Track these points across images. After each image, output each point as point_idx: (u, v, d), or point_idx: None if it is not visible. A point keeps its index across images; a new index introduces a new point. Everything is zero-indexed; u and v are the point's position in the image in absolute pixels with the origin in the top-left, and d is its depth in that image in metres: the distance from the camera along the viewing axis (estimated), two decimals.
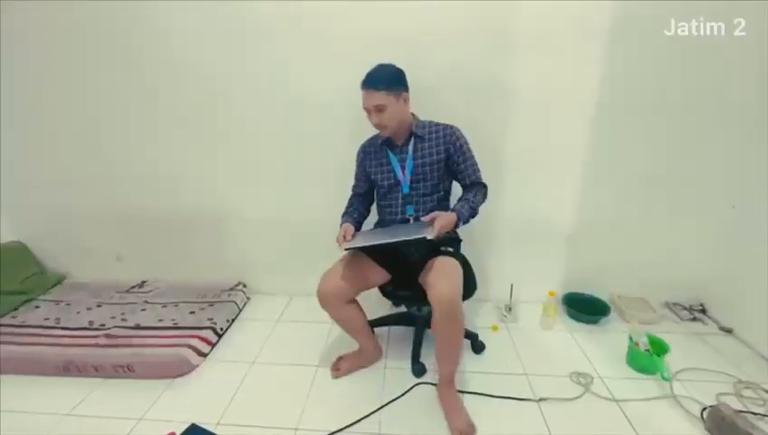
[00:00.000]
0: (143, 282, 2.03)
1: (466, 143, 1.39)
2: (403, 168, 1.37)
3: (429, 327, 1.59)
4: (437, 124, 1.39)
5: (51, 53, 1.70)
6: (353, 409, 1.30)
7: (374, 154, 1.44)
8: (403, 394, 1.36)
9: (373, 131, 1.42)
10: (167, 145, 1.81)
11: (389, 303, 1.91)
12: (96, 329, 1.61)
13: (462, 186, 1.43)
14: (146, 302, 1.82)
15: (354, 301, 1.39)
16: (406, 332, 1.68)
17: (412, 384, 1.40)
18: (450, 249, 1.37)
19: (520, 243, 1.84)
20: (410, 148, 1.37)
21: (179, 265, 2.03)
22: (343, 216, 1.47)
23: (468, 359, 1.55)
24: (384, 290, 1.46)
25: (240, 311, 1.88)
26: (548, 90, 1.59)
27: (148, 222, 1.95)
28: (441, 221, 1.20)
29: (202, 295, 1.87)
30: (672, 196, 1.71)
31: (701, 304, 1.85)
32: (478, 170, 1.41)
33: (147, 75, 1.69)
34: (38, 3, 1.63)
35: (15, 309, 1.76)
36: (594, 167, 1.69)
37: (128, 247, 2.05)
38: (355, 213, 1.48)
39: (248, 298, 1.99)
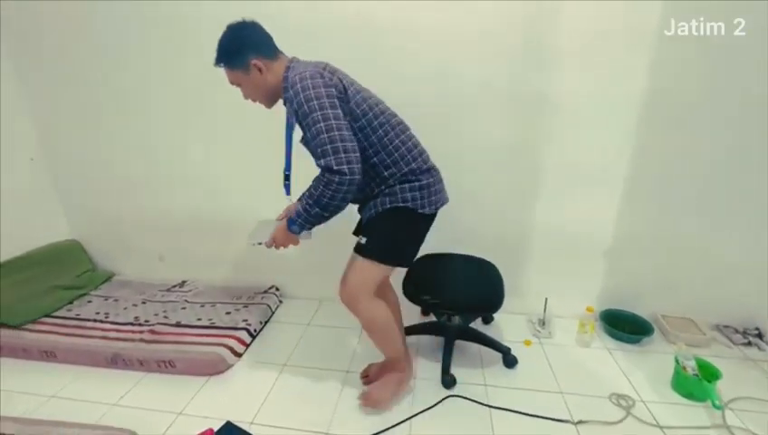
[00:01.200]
0: (183, 281, 2.13)
1: (303, 109, 1.00)
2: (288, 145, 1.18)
3: (460, 337, 1.59)
4: (287, 81, 1.08)
5: (106, 68, 1.85)
6: (382, 417, 1.30)
7: None
8: (433, 405, 1.35)
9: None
10: (211, 150, 1.91)
11: (419, 311, 1.92)
12: (141, 325, 1.71)
13: None
14: (186, 301, 1.91)
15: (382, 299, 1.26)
16: (435, 342, 1.66)
17: (443, 396, 1.38)
18: (363, 240, 1.19)
19: (556, 255, 1.78)
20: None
21: (216, 266, 2.12)
22: None
23: (500, 373, 1.52)
24: (411, 294, 1.46)
25: (273, 313, 1.94)
26: (591, 102, 1.55)
27: (189, 224, 2.05)
28: (276, 234, 1.16)
29: (237, 297, 1.94)
30: (724, 211, 1.61)
31: (756, 328, 1.71)
32: (319, 148, 1.00)
33: (191, 85, 1.79)
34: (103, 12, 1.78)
35: (71, 302, 1.90)
36: (637, 180, 1.63)
37: (170, 248, 2.16)
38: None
39: (280, 301, 2.05)
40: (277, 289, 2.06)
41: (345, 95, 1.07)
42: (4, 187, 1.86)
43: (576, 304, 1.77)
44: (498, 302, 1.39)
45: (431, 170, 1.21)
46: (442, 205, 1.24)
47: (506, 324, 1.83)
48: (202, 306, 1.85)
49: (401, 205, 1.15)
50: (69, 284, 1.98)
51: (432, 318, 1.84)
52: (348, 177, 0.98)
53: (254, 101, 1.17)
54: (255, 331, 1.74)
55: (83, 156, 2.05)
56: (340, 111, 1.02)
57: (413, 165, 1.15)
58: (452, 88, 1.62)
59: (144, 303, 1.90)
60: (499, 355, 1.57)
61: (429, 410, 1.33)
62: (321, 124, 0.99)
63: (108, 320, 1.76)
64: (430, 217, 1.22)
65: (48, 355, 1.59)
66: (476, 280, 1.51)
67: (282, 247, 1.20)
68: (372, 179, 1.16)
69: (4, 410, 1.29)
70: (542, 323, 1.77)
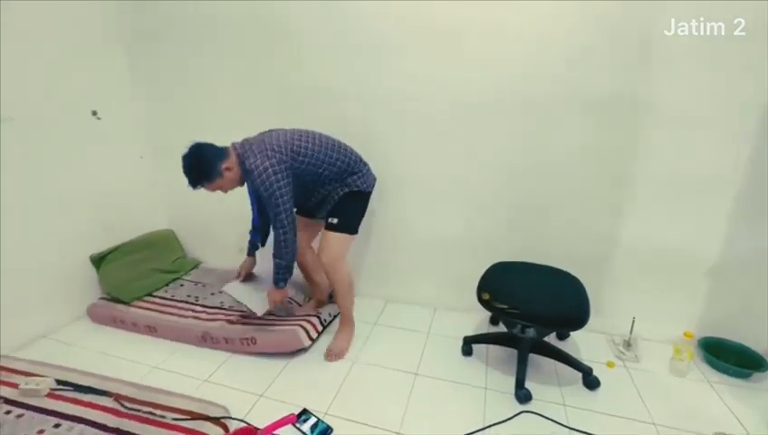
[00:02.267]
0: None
1: (264, 193, 1.40)
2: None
3: (534, 351, 1.51)
4: (245, 168, 1.42)
5: (205, 69, 2.05)
6: (453, 425, 1.28)
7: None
8: (508, 419, 1.30)
9: None
10: None
11: (487, 320, 1.86)
12: (226, 310, 1.87)
13: None
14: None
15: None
16: (506, 353, 1.60)
17: (517, 411, 1.33)
18: (334, 220, 1.56)
19: (646, 272, 1.63)
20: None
21: None
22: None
23: (579, 394, 1.42)
24: (486, 302, 1.42)
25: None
26: (698, 103, 1.40)
27: None
28: (271, 297, 1.60)
29: (307, 288, 2.04)
30: None
31: None
32: (273, 215, 1.43)
33: (285, 85, 1.90)
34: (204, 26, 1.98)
35: (167, 285, 2.14)
36: (752, 194, 1.43)
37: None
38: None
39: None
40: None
41: (288, 158, 1.43)
42: (119, 182, 2.15)
43: (669, 327, 1.60)
44: (584, 318, 1.31)
45: (363, 163, 1.64)
46: (374, 184, 1.67)
47: (584, 342, 1.71)
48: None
49: (355, 189, 1.57)
50: (166, 268, 2.23)
51: (501, 328, 1.78)
52: (287, 228, 1.44)
53: (228, 191, 1.50)
54: (325, 321, 1.82)
55: (181, 154, 2.28)
56: (285, 188, 1.40)
57: (353, 165, 1.58)
58: (533, 92, 1.56)
59: None
60: (577, 374, 1.47)
61: (503, 424, 1.29)
62: (275, 203, 1.40)
63: (198, 303, 1.95)
64: (369, 194, 1.65)
65: (151, 330, 1.81)
66: (559, 293, 1.43)
67: (280, 302, 1.63)
68: (330, 182, 1.56)
69: (121, 374, 1.48)
70: (627, 344, 1.62)
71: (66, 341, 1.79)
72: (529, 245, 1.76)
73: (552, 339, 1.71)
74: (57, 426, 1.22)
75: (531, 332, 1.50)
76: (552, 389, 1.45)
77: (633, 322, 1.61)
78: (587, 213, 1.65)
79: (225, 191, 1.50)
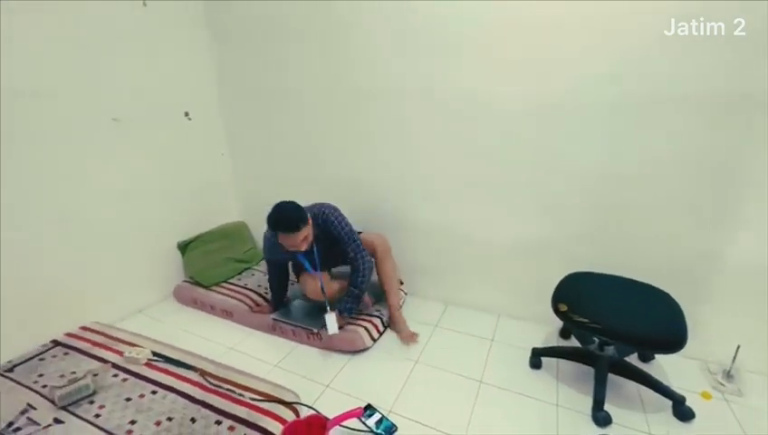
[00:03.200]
0: None
1: (338, 225, 1.69)
2: (312, 261, 1.69)
3: (614, 371, 1.39)
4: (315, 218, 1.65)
5: (279, 73, 2.17)
6: None
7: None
8: None
9: None
10: (370, 154, 2.03)
11: (557, 332, 1.76)
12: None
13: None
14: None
15: None
16: (579, 369, 1.49)
17: (596, 434, 1.23)
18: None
19: (756, 296, 1.42)
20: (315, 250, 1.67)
21: None
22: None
23: (669, 424, 1.29)
24: (563, 313, 1.33)
25: (400, 307, 2.00)
26: None
27: None
28: (339, 323, 1.66)
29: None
30: None
31: None
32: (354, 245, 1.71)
33: (354, 91, 1.96)
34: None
35: (240, 273, 2.30)
36: None
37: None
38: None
39: (405, 293, 2.10)
40: (401, 283, 2.12)
41: None
42: (203, 177, 2.36)
43: None
44: (681, 340, 1.18)
45: None
46: None
47: (671, 367, 1.54)
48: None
49: None
50: (239, 257, 2.40)
51: (573, 342, 1.67)
52: (366, 257, 1.72)
53: (307, 246, 1.59)
54: (386, 322, 1.83)
55: (254, 152, 2.45)
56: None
57: None
58: (625, 90, 1.44)
59: (292, 284, 2.17)
60: (664, 401, 1.33)
61: None
62: (353, 237, 1.71)
63: (268, 293, 2.07)
64: None
65: (227, 314, 1.96)
66: (650, 310, 1.30)
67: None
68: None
69: (202, 351, 1.62)
70: (728, 375, 1.43)
71: (156, 317, 2.00)
72: (608, 255, 1.62)
73: (633, 359, 1.56)
74: (154, 392, 1.36)
75: (610, 350, 1.39)
76: (636, 414, 1.32)
77: (737, 350, 1.41)
78: (685, 225, 1.48)
79: (309, 242, 1.59)
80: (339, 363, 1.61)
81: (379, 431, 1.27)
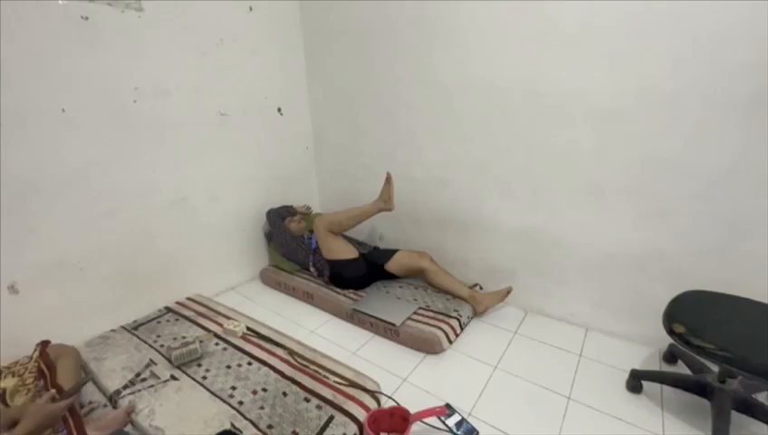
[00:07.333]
0: None
1: None
2: None
3: (737, 408, 1.20)
4: None
5: (363, 70, 2.22)
6: None
7: None
8: None
9: None
10: (444, 152, 2.02)
11: (659, 355, 1.57)
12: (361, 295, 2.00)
13: None
14: (400, 280, 2.14)
15: None
16: (688, 400, 1.31)
17: None
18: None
19: None
20: None
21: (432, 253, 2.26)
22: None
23: None
24: (680, 335, 1.17)
25: (476, 312, 1.95)
26: None
27: (408, 215, 2.28)
28: None
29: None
30: None
31: None
32: None
33: (433, 93, 1.95)
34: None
35: None
36: None
37: (390, 232, 2.46)
38: None
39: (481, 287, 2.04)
40: (480, 287, 2.06)
41: None
42: (289, 169, 2.52)
43: None
44: None
45: None
46: None
47: None
48: (416, 288, 2.03)
49: None
50: None
51: (679, 368, 1.48)
52: None
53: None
54: (464, 323, 1.80)
55: (337, 147, 2.55)
56: None
57: None
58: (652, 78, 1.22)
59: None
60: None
61: None
62: None
63: None
64: None
65: (308, 296, 2.07)
66: None
67: None
68: None
69: (287, 331, 1.73)
70: None
71: (247, 295, 2.19)
72: (730, 275, 1.41)
73: (761, 396, 1.34)
74: (250, 364, 1.49)
75: (734, 383, 1.21)
76: None
77: None
78: None
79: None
80: (416, 358, 1.62)
81: (458, 433, 1.25)
